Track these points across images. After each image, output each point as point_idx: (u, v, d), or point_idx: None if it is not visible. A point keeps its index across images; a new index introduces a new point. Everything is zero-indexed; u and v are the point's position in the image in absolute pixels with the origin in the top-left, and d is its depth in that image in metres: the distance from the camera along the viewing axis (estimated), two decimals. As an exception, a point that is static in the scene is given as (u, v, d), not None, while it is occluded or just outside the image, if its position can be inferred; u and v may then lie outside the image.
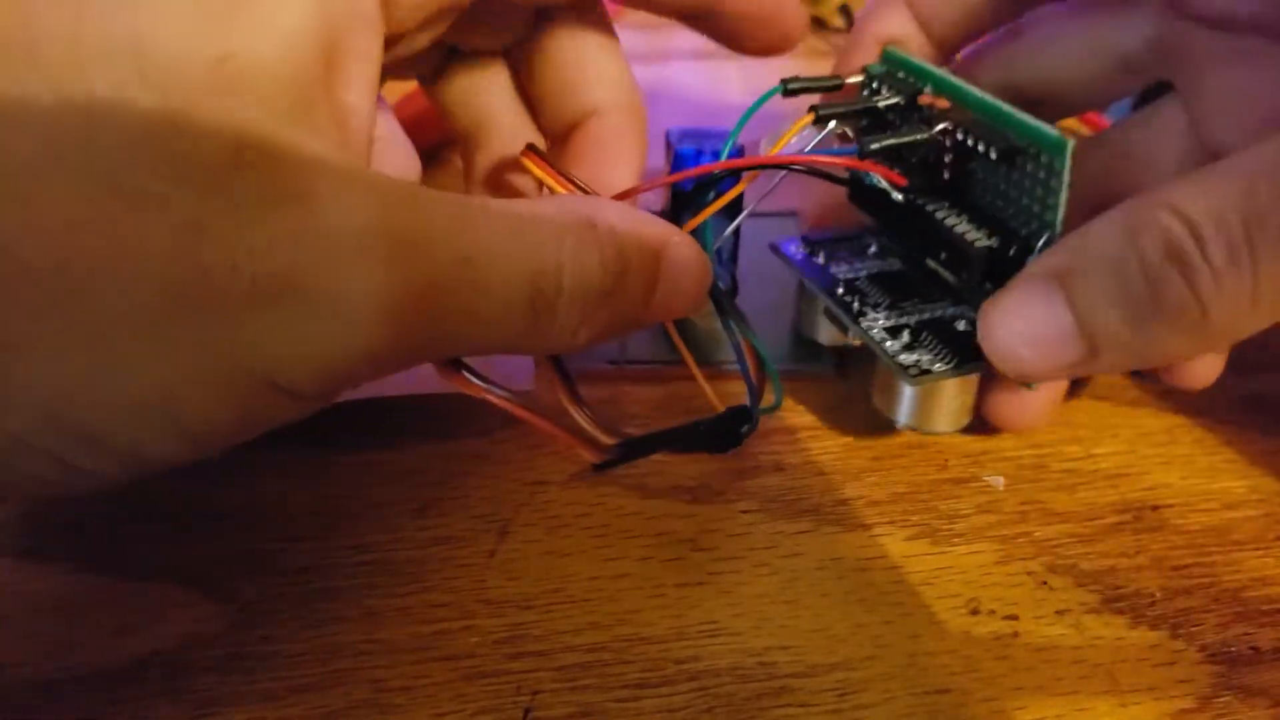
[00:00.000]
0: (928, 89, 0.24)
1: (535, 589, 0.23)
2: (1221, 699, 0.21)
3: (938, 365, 0.23)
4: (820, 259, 0.28)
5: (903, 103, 0.24)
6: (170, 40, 0.14)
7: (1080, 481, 0.26)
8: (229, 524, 0.24)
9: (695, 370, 0.25)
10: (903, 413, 0.25)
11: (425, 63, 0.25)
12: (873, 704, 0.21)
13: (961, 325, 0.25)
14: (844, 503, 0.25)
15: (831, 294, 0.26)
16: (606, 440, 0.21)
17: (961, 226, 0.23)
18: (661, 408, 0.28)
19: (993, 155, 0.20)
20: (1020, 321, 0.19)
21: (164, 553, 0.23)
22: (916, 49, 0.27)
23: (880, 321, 0.25)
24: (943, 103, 0.23)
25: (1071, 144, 0.19)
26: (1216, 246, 0.17)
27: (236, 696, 0.20)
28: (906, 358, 0.24)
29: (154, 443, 0.15)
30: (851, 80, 0.26)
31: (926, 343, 0.24)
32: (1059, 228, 0.20)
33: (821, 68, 0.28)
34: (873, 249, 0.28)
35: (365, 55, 0.17)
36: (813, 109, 0.23)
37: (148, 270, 0.13)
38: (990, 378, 0.25)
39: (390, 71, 0.22)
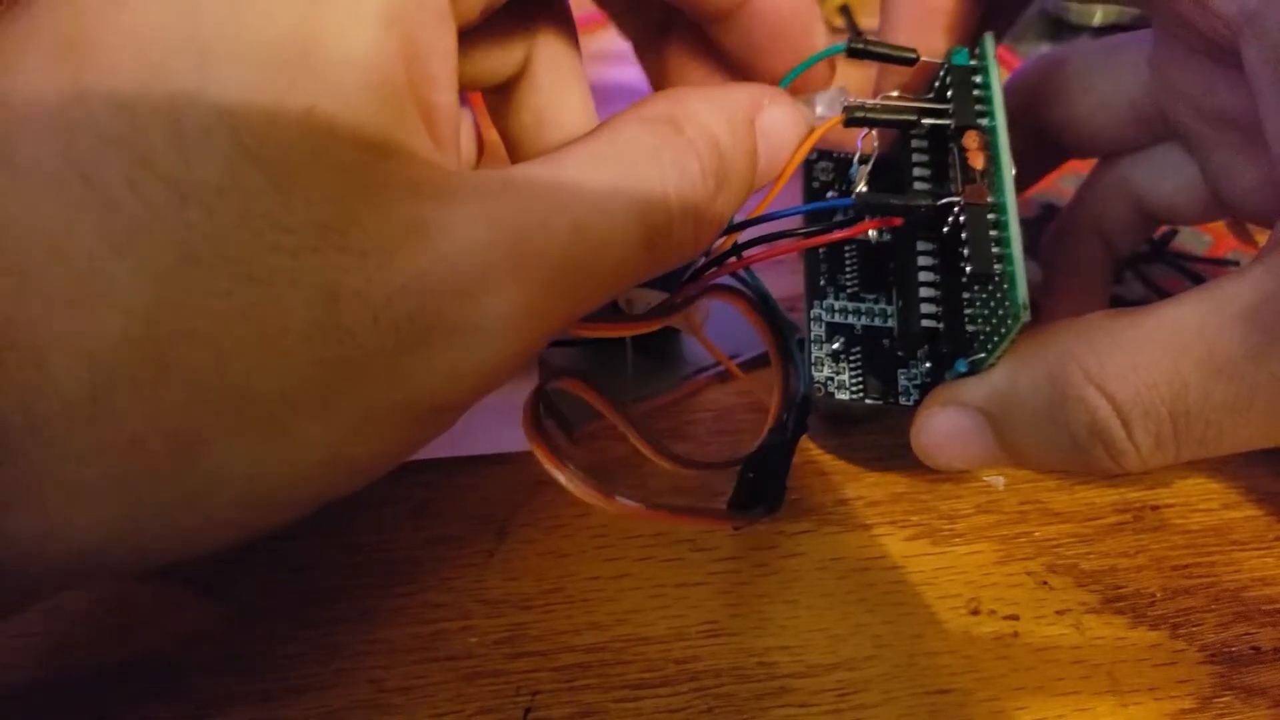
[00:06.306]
0: (981, 124, 0.20)
1: (534, 589, 0.23)
2: (1222, 699, 0.21)
3: (845, 393, 0.24)
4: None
5: (951, 127, 0.21)
6: (256, 105, 0.13)
7: (1080, 481, 0.26)
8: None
9: (775, 359, 0.24)
10: None
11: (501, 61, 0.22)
12: (873, 704, 0.21)
13: (888, 343, 0.24)
14: (844, 503, 0.25)
15: (814, 258, 0.25)
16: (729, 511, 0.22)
17: (926, 289, 0.22)
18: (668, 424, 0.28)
19: (967, 269, 0.19)
20: (952, 447, 0.21)
21: (163, 553, 0.23)
22: None
23: (834, 314, 0.24)
24: (977, 159, 0.20)
25: (1024, 319, 0.18)
26: (1144, 434, 0.18)
27: (235, 697, 0.20)
28: (824, 371, 0.24)
29: (330, 489, 0.15)
30: (928, 60, 0.22)
31: (852, 359, 0.24)
32: (990, 363, 0.20)
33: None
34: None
35: (443, 50, 0.16)
36: (846, 109, 0.21)
37: (296, 351, 0.14)
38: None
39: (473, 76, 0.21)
